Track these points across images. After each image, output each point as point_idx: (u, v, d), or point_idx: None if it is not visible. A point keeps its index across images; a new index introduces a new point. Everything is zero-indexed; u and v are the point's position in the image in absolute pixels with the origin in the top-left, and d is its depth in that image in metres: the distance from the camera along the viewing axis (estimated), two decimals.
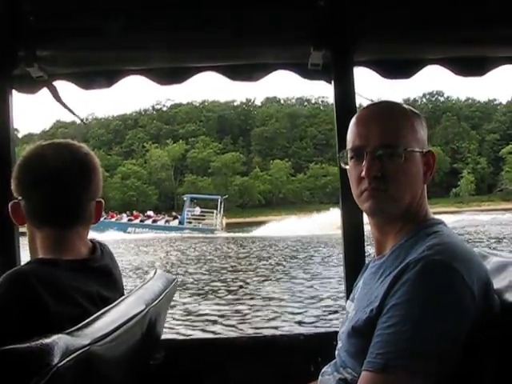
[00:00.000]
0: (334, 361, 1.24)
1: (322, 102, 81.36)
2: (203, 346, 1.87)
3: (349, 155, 1.23)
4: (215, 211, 33.84)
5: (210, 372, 1.74)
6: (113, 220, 33.24)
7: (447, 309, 0.99)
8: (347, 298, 1.39)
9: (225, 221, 35.12)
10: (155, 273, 1.49)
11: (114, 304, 1.07)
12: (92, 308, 1.20)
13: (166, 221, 34.54)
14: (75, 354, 0.72)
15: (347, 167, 1.25)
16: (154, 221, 34.53)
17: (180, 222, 33.72)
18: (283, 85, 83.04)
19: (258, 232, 29.92)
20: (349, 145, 1.24)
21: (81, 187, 1.34)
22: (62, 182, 1.31)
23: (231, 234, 30.95)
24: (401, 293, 1.02)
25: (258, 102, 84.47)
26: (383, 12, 1.82)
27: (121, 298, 1.14)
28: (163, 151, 71.11)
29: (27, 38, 1.81)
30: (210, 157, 69.93)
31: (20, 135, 74.76)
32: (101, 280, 1.34)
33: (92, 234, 1.42)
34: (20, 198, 1.33)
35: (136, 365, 1.17)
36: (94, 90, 2.05)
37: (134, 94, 77.95)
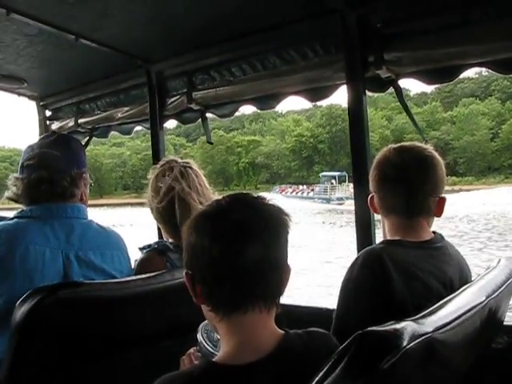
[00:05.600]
0: None
1: None
2: None
3: None
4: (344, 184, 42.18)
5: None
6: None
7: None
8: None
9: None
10: (499, 262, 1.50)
11: (455, 294, 1.14)
12: (434, 282, 1.39)
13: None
14: (420, 339, 0.81)
15: None
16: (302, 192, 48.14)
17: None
18: None
19: None
20: None
21: (418, 184, 1.51)
22: (403, 179, 1.52)
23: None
24: None
25: None
26: None
27: (462, 288, 1.21)
28: None
29: (375, 44, 2.05)
30: None
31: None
32: (441, 258, 1.50)
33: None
34: (374, 191, 1.61)
35: (476, 348, 1.23)
36: (436, 84, 2.13)
37: None
